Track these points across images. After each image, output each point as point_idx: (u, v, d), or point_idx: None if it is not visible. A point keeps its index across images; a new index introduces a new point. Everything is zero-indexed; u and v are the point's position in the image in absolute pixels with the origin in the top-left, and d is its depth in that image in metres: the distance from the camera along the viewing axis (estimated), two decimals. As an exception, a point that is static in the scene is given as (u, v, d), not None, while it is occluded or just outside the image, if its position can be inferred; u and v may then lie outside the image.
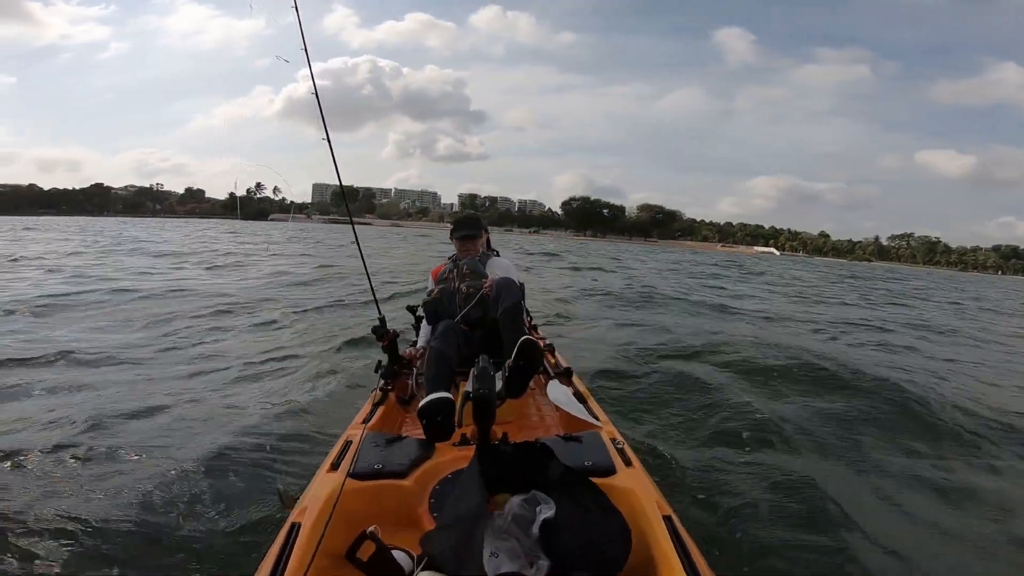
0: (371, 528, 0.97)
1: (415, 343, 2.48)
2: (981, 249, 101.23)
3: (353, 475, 1.29)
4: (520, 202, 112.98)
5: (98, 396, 3.21)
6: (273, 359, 4.23)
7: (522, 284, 2.38)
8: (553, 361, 2.44)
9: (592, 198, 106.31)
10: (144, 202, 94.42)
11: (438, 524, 1.18)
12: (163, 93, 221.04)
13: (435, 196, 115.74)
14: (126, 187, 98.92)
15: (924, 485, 2.53)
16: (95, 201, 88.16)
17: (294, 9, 2.07)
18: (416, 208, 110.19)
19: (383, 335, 2.14)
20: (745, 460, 2.59)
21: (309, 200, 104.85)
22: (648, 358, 4.59)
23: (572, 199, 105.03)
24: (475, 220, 2.63)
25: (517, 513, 1.14)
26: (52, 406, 3.01)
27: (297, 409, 3.02)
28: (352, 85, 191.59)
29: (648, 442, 2.63)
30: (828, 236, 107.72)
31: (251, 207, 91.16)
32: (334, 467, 1.35)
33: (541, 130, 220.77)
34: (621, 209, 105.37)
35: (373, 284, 2.30)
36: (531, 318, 3.14)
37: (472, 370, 1.41)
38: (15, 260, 11.26)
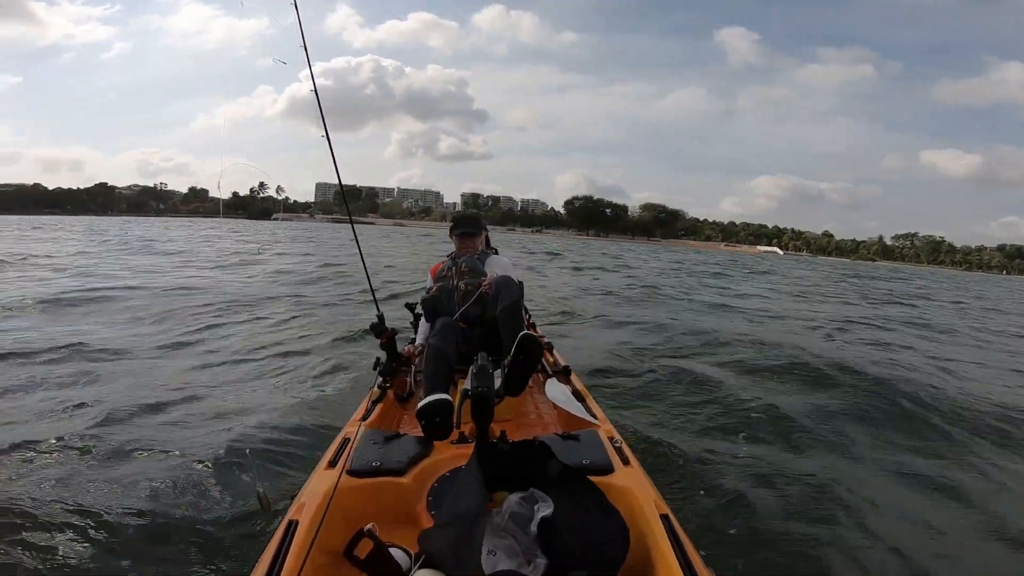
0: (369, 526, 0.97)
1: (414, 340, 2.48)
2: (986, 249, 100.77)
3: (351, 472, 1.29)
4: (522, 201, 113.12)
5: (97, 392, 3.23)
6: (273, 356, 4.25)
7: (521, 282, 2.38)
8: (551, 359, 2.44)
9: (595, 197, 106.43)
10: (148, 201, 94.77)
11: (436, 522, 1.17)
12: (165, 93, 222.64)
13: (438, 196, 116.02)
14: (130, 186, 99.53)
15: (918, 482, 2.54)
16: (99, 200, 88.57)
17: (294, 8, 2.08)
18: (419, 208, 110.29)
19: (382, 332, 2.13)
20: (743, 458, 2.60)
21: (312, 199, 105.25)
22: (647, 357, 4.60)
23: (575, 198, 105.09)
24: (475, 218, 2.64)
25: (515, 511, 1.14)
26: (62, 399, 3.07)
27: (295, 406, 3.04)
28: (355, 85, 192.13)
29: (646, 440, 2.63)
30: (831, 236, 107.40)
31: (255, 206, 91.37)
32: (332, 464, 1.35)
33: (543, 130, 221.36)
34: (624, 208, 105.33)
35: (373, 284, 2.31)
36: (530, 316, 3.14)
37: (471, 368, 1.41)
38: (24, 259, 11.38)
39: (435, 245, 24.51)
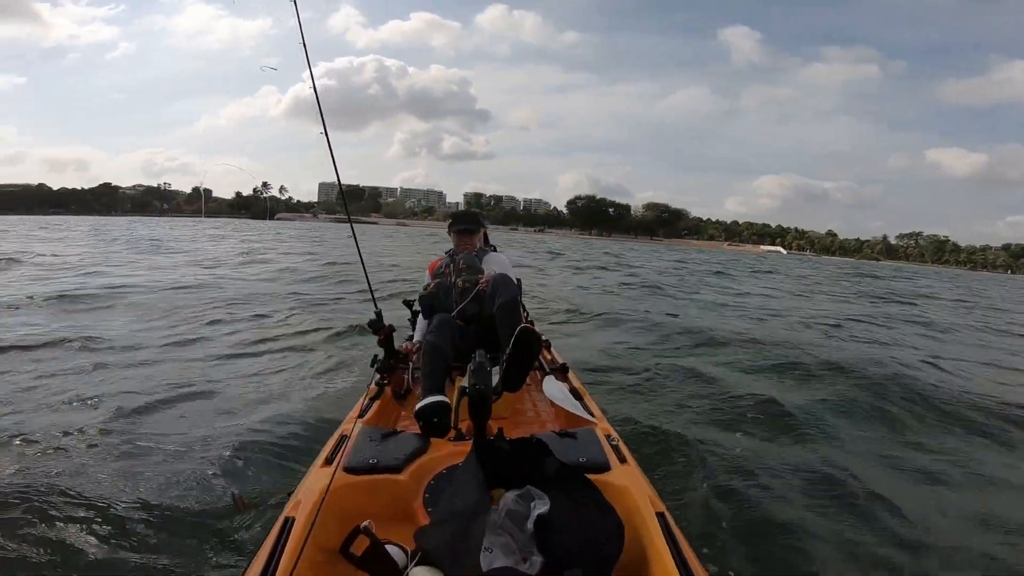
0: (365, 523, 0.97)
1: (411, 337, 2.48)
2: (991, 248, 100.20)
3: (347, 469, 1.28)
4: (525, 201, 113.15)
5: (100, 387, 3.26)
6: (271, 352, 4.28)
7: (519, 280, 2.38)
8: (549, 357, 2.43)
9: (598, 197, 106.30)
10: (152, 201, 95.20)
11: (433, 519, 1.17)
12: (169, 93, 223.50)
13: (440, 195, 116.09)
14: (134, 186, 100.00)
15: (915, 478, 2.54)
16: (103, 200, 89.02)
17: (294, 7, 2.08)
18: (422, 207, 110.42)
19: (379, 329, 2.12)
20: (740, 457, 2.59)
21: (315, 199, 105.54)
22: (645, 355, 4.60)
23: (577, 198, 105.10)
24: (474, 215, 2.65)
25: (511, 508, 1.14)
26: (69, 392, 3.14)
27: (293, 402, 3.05)
28: (358, 84, 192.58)
29: (643, 438, 2.63)
30: (835, 235, 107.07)
31: (258, 206, 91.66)
32: (328, 461, 1.34)
33: (545, 129, 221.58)
34: (627, 208, 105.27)
35: (375, 282, 2.31)
36: (527, 314, 3.14)
37: (469, 365, 1.40)
38: (33, 257, 11.51)
39: (439, 244, 24.52)
